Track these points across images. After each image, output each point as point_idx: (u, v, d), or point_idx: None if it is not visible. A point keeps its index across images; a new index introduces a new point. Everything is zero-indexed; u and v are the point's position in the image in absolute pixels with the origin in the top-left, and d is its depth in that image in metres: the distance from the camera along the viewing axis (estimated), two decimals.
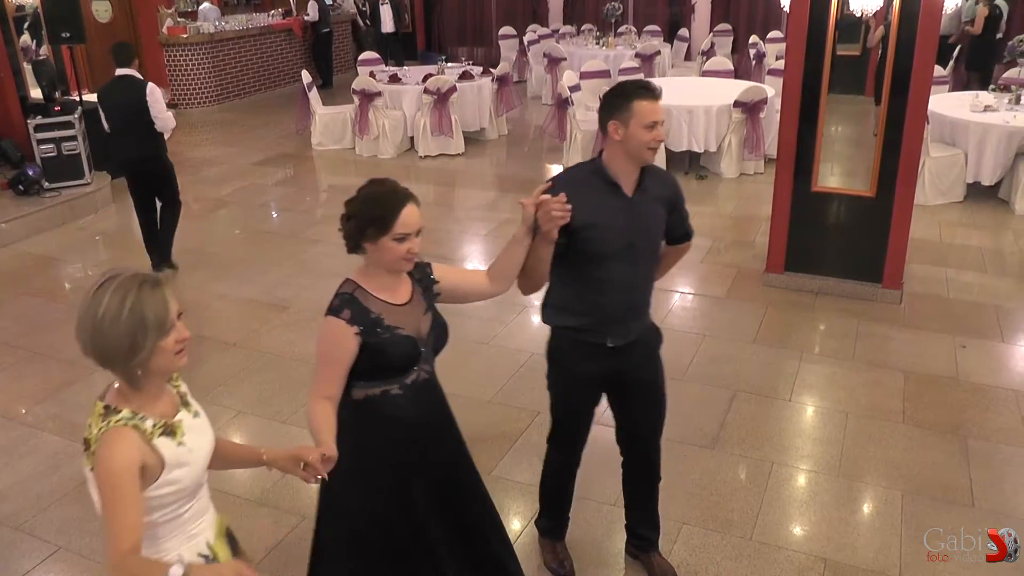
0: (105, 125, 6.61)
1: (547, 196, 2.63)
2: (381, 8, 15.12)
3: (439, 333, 2.66)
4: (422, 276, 2.68)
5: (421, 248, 2.53)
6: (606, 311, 2.95)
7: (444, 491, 2.74)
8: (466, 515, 2.81)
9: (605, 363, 3.03)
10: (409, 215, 2.45)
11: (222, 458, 2.31)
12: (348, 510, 2.64)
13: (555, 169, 9.79)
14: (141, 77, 6.51)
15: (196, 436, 2.10)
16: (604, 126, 2.86)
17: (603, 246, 2.86)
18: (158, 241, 6.79)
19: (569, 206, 2.63)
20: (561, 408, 3.25)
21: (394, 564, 2.67)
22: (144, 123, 6.37)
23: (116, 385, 2.04)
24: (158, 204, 6.81)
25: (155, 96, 6.35)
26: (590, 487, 4.04)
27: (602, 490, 4.00)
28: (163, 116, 6.40)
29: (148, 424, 1.97)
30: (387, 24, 15.38)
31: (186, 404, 2.15)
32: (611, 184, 2.87)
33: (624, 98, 2.81)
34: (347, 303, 2.50)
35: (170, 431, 2.02)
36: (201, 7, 14.30)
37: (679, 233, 3.16)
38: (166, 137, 6.59)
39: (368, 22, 16.05)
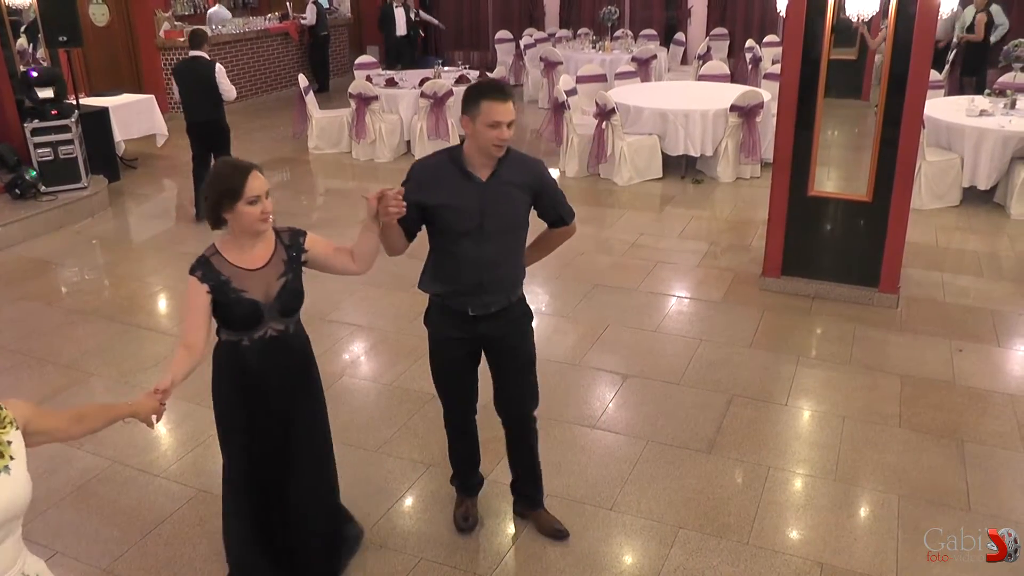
0: (176, 94, 8.36)
1: (387, 190, 2.96)
2: (395, 11, 15.05)
3: (287, 298, 3.02)
4: (292, 243, 3.07)
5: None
6: (461, 282, 3.25)
7: (279, 441, 3.18)
8: (294, 465, 3.23)
9: (469, 329, 3.33)
10: (255, 180, 2.88)
11: (83, 428, 2.40)
12: (223, 441, 3.24)
13: (552, 173, 9.76)
14: (208, 58, 8.07)
15: None
16: (462, 119, 3.13)
17: (454, 225, 3.17)
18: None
19: (404, 203, 2.97)
20: (437, 369, 3.52)
21: (247, 496, 3.26)
22: (211, 93, 7.97)
23: None
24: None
25: (221, 73, 8.00)
26: (587, 492, 4.04)
27: (598, 494, 4.01)
28: (227, 88, 8.04)
29: None
30: (401, 27, 15.31)
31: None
32: (463, 170, 3.15)
33: (476, 96, 3.07)
34: (200, 264, 2.95)
35: None
36: (211, 10, 14.32)
37: (554, 217, 3.42)
38: (227, 103, 8.15)
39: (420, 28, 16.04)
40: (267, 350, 3.03)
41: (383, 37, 15.72)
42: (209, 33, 12.89)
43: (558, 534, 3.71)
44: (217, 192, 2.87)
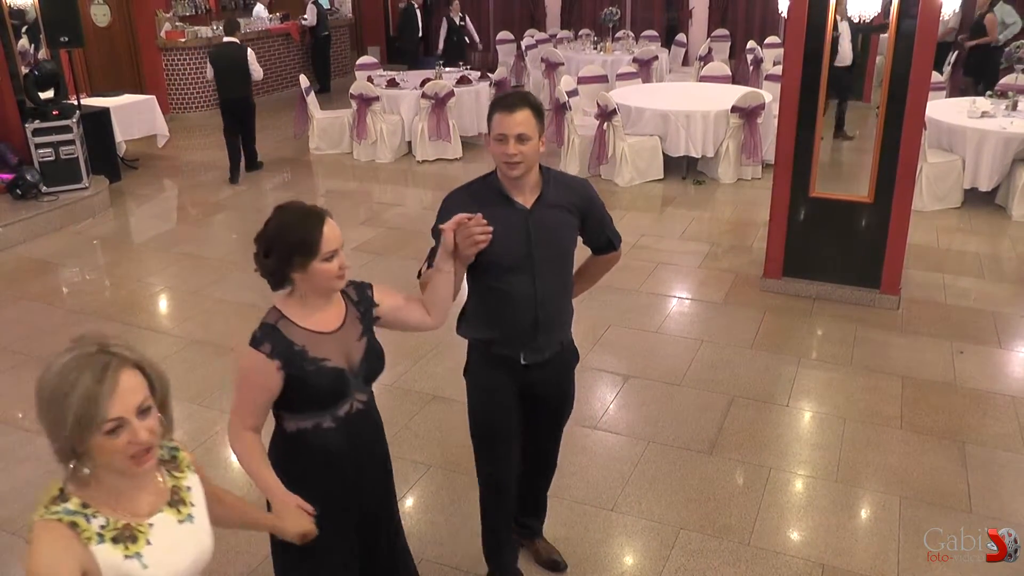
0: (209, 74, 9.59)
1: (465, 217, 2.58)
2: (417, 12, 15.02)
3: (373, 361, 2.52)
4: (361, 298, 2.55)
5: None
6: (513, 325, 2.87)
7: (369, 520, 2.67)
8: (383, 544, 2.77)
9: (519, 379, 2.98)
10: (331, 231, 2.35)
11: (227, 522, 2.10)
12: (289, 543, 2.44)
13: None
14: (239, 43, 9.54)
15: (168, 550, 1.71)
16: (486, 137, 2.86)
17: (500, 258, 2.76)
18: (246, 155, 9.92)
19: (490, 227, 2.60)
20: (485, 425, 3.11)
21: None
22: (242, 73, 9.40)
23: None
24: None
25: (251, 56, 9.44)
26: (588, 493, 4.04)
27: (598, 495, 4.01)
28: (256, 69, 9.51)
29: (95, 523, 1.63)
30: (419, 28, 15.30)
31: (179, 503, 1.79)
32: (503, 196, 2.79)
33: (490, 110, 2.78)
34: (267, 335, 2.36)
35: (126, 537, 1.65)
36: (256, 8, 14.70)
37: (601, 242, 3.07)
38: (255, 81, 9.54)
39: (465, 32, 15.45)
40: (355, 428, 2.49)
41: (402, 38, 15.56)
42: (210, 34, 13.12)
43: (555, 565, 3.54)
44: (286, 246, 2.32)
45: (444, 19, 14.36)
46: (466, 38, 14.63)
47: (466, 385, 3.12)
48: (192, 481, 1.85)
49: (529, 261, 2.79)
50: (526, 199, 2.80)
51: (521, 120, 2.68)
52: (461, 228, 2.58)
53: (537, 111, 2.72)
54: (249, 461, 2.39)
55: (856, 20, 9.34)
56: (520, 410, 3.08)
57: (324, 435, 2.43)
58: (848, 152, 10.22)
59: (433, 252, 2.75)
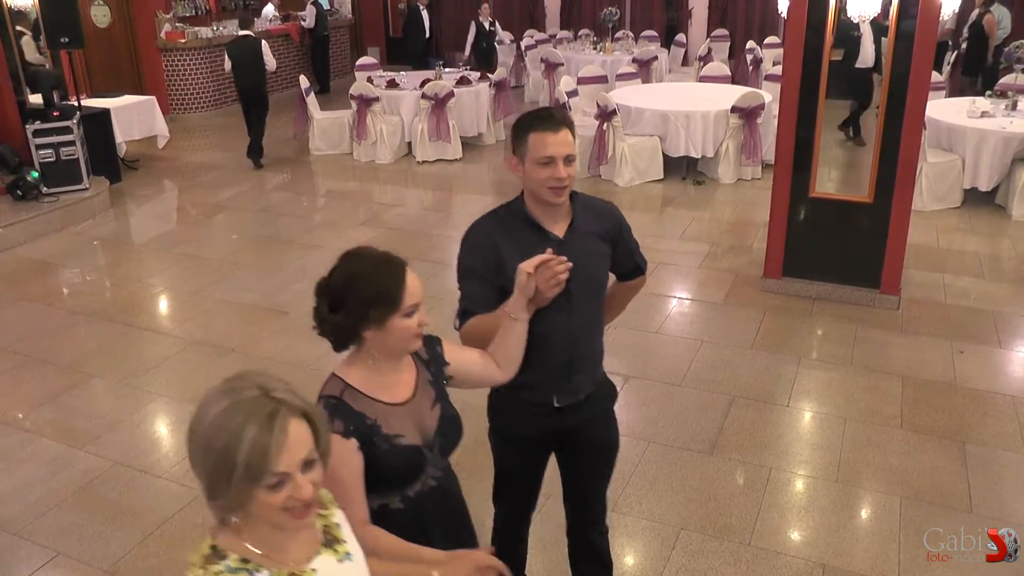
0: (227, 66, 10.13)
1: (546, 257, 2.30)
2: (422, 13, 14.98)
3: (450, 431, 2.21)
4: (432, 357, 2.24)
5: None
6: (547, 367, 2.59)
7: None
8: None
9: (550, 423, 2.70)
10: (414, 282, 2.04)
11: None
12: None
13: None
14: (255, 35, 10.30)
15: None
16: (510, 161, 2.53)
17: (535, 296, 2.43)
18: (255, 144, 10.36)
19: (571, 263, 2.33)
20: (501, 470, 2.90)
21: None
22: (258, 65, 10.03)
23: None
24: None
25: (266, 48, 10.11)
26: None
27: None
28: (270, 61, 10.17)
29: None
30: (427, 29, 15.24)
31: (333, 543, 1.69)
32: (534, 226, 2.52)
33: (522, 130, 2.45)
34: (336, 411, 2.01)
35: None
36: (266, 8, 14.84)
37: (628, 268, 2.80)
38: (268, 72, 10.24)
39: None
40: (427, 507, 2.19)
41: (407, 40, 15.45)
42: (210, 35, 13.15)
43: None
44: (362, 299, 1.98)
45: (473, 23, 13.98)
46: (496, 44, 14.22)
47: (491, 435, 2.84)
48: (339, 517, 1.74)
49: (565, 296, 2.45)
50: (559, 228, 2.54)
51: (567, 139, 2.43)
52: (541, 269, 2.29)
53: (573, 128, 2.51)
54: (392, 549, 2.00)
55: (873, 20, 9.32)
56: (546, 456, 2.86)
57: (391, 517, 2.11)
58: (852, 152, 10.21)
59: (466, 300, 2.50)
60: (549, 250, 2.34)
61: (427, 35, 14.93)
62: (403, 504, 2.14)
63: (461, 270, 2.54)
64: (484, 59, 13.83)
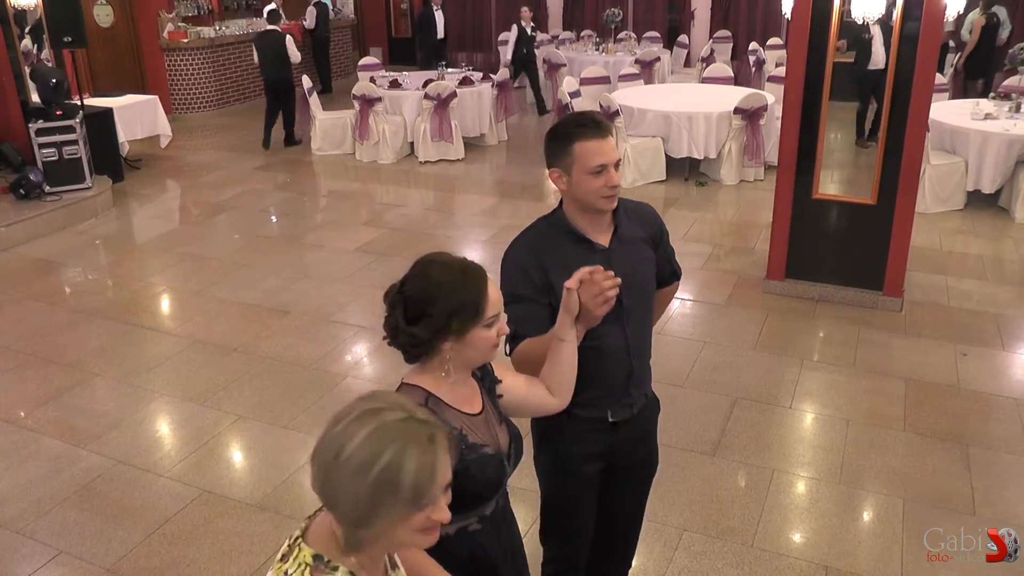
0: (255, 59, 11.06)
1: (587, 271, 2.16)
2: (436, 14, 14.96)
3: (519, 447, 2.12)
4: (485, 375, 2.15)
5: None
6: (605, 383, 2.51)
7: None
8: None
9: (603, 441, 2.59)
10: (495, 291, 1.97)
11: None
12: None
13: None
14: (280, 30, 11.02)
15: None
16: (550, 174, 2.42)
17: None
18: (285, 133, 11.28)
19: (619, 278, 2.19)
20: (557, 499, 2.72)
21: None
22: (282, 58, 10.76)
23: (327, 522, 1.55)
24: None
25: (290, 42, 10.80)
26: None
27: None
28: (294, 54, 10.84)
29: None
30: (440, 30, 15.21)
31: (394, 567, 1.71)
32: (579, 238, 2.42)
33: (564, 140, 2.35)
34: None
35: None
36: (267, 8, 14.60)
37: (666, 273, 2.71)
38: (294, 65, 10.94)
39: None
40: (501, 528, 2.12)
41: (419, 39, 15.40)
42: (212, 35, 13.17)
43: None
44: (445, 310, 1.89)
45: (514, 26, 13.35)
46: (535, 49, 13.60)
47: (539, 456, 2.68)
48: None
49: (618, 308, 2.34)
50: (603, 237, 2.44)
51: (613, 144, 2.36)
52: (586, 285, 2.17)
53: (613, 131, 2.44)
54: None
55: (883, 22, 9.31)
56: (600, 483, 2.71)
57: (471, 539, 2.02)
58: (855, 154, 10.20)
59: (514, 323, 2.37)
60: (599, 267, 2.21)
61: (441, 36, 14.91)
62: (481, 525, 2.05)
63: (505, 293, 2.34)
64: (525, 66, 13.30)
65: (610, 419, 2.55)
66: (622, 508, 2.84)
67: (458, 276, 1.93)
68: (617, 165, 2.36)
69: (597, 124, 2.34)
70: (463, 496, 1.87)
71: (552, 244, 2.43)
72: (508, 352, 2.40)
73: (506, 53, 13.66)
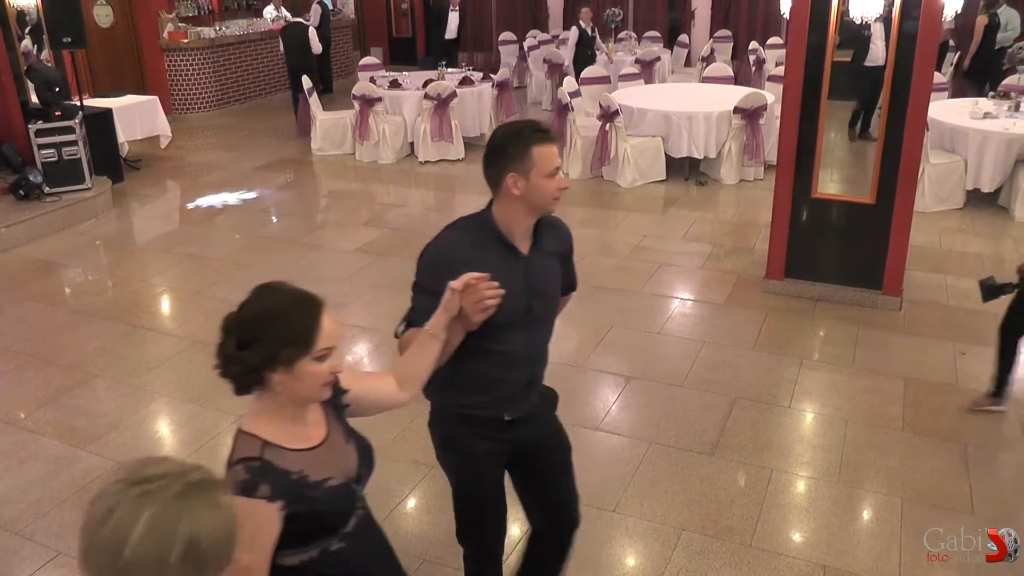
0: (282, 47, 12.23)
1: (475, 277, 2.23)
2: (450, 14, 14.95)
3: (368, 460, 2.13)
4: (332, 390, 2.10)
5: None
6: (506, 387, 2.59)
7: None
8: None
9: (501, 438, 2.66)
10: (331, 324, 1.92)
11: None
12: None
13: None
14: (306, 23, 12.22)
15: None
16: (498, 180, 2.45)
17: (501, 316, 2.37)
18: (323, 84, 12.89)
19: (502, 290, 2.26)
20: (467, 498, 2.80)
21: None
22: (305, 48, 11.85)
23: None
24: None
25: (313, 34, 11.98)
26: (590, 494, 4.04)
27: (601, 496, 4.00)
28: (316, 45, 11.94)
29: None
30: (452, 31, 15.22)
31: None
32: (506, 244, 2.48)
33: (521, 146, 2.40)
34: (261, 474, 1.86)
35: None
36: (267, 9, 14.96)
37: (568, 283, 2.81)
38: (315, 54, 12.06)
39: None
40: (363, 539, 2.12)
41: (432, 36, 15.41)
42: (212, 35, 13.17)
43: None
44: (277, 337, 1.86)
45: (574, 28, 13.01)
46: (596, 51, 13.12)
47: (443, 457, 2.78)
48: None
49: (529, 315, 2.51)
50: (525, 246, 2.52)
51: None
52: (470, 290, 2.23)
53: None
54: None
55: (884, 19, 9.31)
56: (503, 470, 2.80)
57: (333, 558, 2.04)
58: (854, 153, 10.21)
59: (415, 311, 2.44)
60: (487, 275, 2.27)
61: (452, 36, 14.90)
62: (342, 542, 2.04)
63: (419, 281, 2.48)
64: (585, 67, 12.40)
65: (506, 418, 2.63)
66: (558, 496, 2.92)
67: (294, 303, 1.91)
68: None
69: (548, 131, 2.46)
70: (318, 529, 1.97)
71: (478, 246, 2.48)
72: (399, 333, 2.48)
73: (564, 57, 13.06)
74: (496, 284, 2.26)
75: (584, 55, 12.75)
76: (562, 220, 2.75)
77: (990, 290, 4.51)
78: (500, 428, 2.64)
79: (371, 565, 2.14)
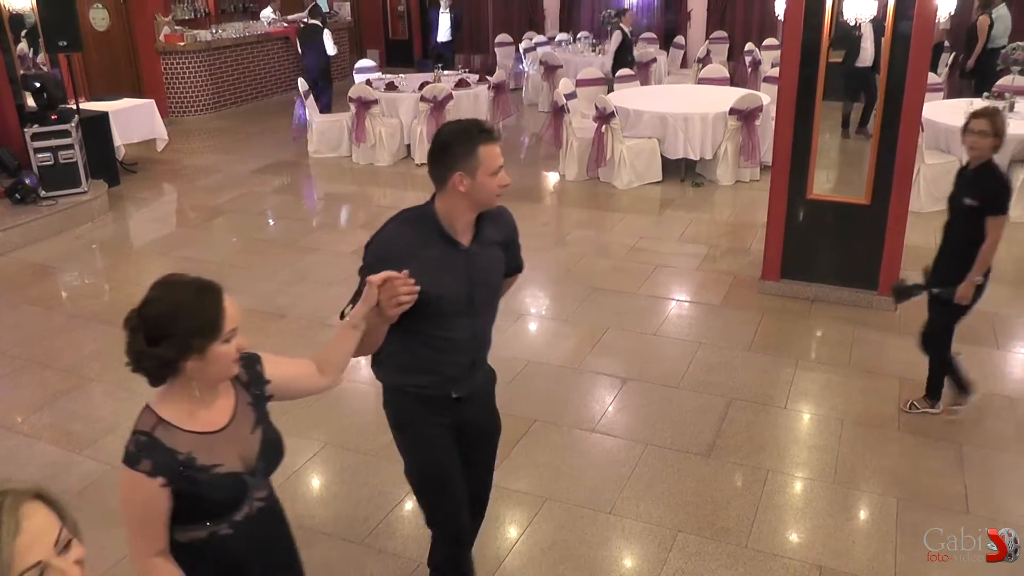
0: (299, 49, 13.05)
1: (393, 274, 2.35)
2: (441, 16, 14.97)
3: (272, 454, 2.20)
4: (252, 378, 2.21)
5: None
6: (452, 369, 2.75)
7: None
8: None
9: (451, 413, 2.83)
10: (232, 307, 2.03)
11: None
12: None
13: (551, 177, 9.81)
14: (321, 25, 12.61)
15: None
16: (444, 178, 2.56)
17: (443, 305, 2.59)
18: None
19: (417, 287, 2.38)
20: (428, 470, 2.91)
21: None
22: (321, 47, 12.45)
23: None
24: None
25: (327, 36, 12.50)
26: (586, 496, 4.05)
27: (596, 498, 4.01)
28: (330, 47, 12.54)
29: None
30: (444, 32, 15.25)
31: None
32: (446, 237, 2.61)
33: (469, 145, 2.52)
34: (146, 449, 1.99)
35: None
36: (264, 11, 15.02)
37: (513, 267, 2.94)
38: (331, 56, 12.81)
39: None
40: (256, 531, 2.17)
41: (425, 39, 15.46)
42: (209, 38, 13.18)
43: None
44: (188, 330, 1.96)
45: (618, 32, 12.48)
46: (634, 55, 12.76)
47: (398, 438, 2.90)
48: None
49: (471, 305, 2.67)
50: (466, 238, 2.65)
51: None
52: (387, 286, 2.35)
53: None
54: None
55: (875, 19, 9.33)
56: (455, 447, 2.92)
57: (222, 543, 2.11)
58: (850, 154, 10.23)
59: (358, 296, 2.49)
60: (406, 272, 2.37)
61: (446, 38, 14.92)
62: (232, 529, 2.11)
63: (364, 268, 2.58)
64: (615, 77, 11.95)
65: (453, 395, 2.79)
66: (476, 491, 3.06)
67: (196, 294, 2.00)
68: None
69: (492, 130, 2.59)
70: (203, 511, 2.05)
71: (421, 239, 2.61)
72: (344, 315, 2.53)
73: (608, 60, 12.54)
74: (412, 282, 2.37)
75: (624, 60, 12.34)
76: (505, 208, 2.83)
77: (900, 292, 4.52)
78: (448, 406, 2.80)
79: (259, 557, 2.19)
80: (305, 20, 12.90)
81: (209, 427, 2.07)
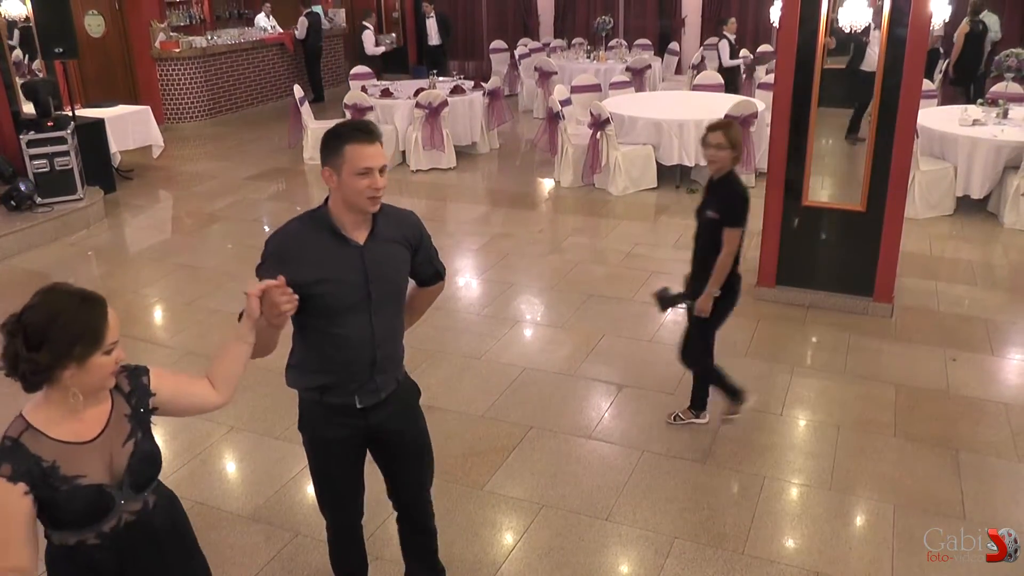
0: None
1: (271, 283, 2.38)
2: (427, 22, 15.02)
3: (141, 467, 2.19)
4: (135, 388, 2.21)
5: None
6: (349, 368, 2.73)
7: None
8: None
9: (356, 425, 2.82)
10: (115, 319, 2.05)
11: None
12: None
13: (547, 183, 9.82)
14: (367, 26, 14.42)
15: None
16: (322, 172, 2.62)
17: (336, 300, 2.61)
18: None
19: (296, 296, 2.41)
20: (319, 475, 3.00)
21: None
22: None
23: None
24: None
25: (367, 35, 14.36)
26: (582, 502, 4.04)
27: (592, 505, 4.01)
28: (370, 47, 14.11)
29: None
30: (433, 37, 15.31)
31: None
32: (337, 234, 2.62)
33: (337, 141, 2.53)
34: (8, 453, 1.98)
35: None
36: (258, 17, 15.14)
37: (429, 273, 2.93)
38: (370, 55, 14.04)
39: None
40: (126, 544, 2.16)
41: (420, 45, 15.58)
42: (204, 44, 13.17)
43: None
44: (67, 339, 1.96)
45: (724, 41, 12.57)
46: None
47: (301, 434, 2.95)
48: None
49: (367, 301, 2.66)
50: (360, 235, 2.65)
51: (382, 150, 2.57)
52: (266, 296, 2.38)
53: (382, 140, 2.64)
54: None
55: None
56: (361, 457, 2.96)
57: (89, 551, 2.12)
58: (844, 160, 10.25)
59: None
60: (282, 279, 2.39)
61: (435, 43, 14.97)
62: (99, 540, 2.12)
63: (260, 267, 2.62)
64: (729, 83, 12.00)
65: (358, 405, 2.77)
66: (398, 480, 3.07)
67: (79, 303, 2.01)
68: (383, 171, 2.55)
69: (369, 130, 2.56)
70: (67, 519, 2.06)
71: (314, 236, 2.62)
72: (240, 318, 2.50)
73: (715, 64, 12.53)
74: (290, 291, 2.40)
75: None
76: (413, 213, 2.86)
77: (664, 300, 4.52)
78: (353, 415, 2.79)
79: (129, 570, 2.19)
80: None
81: (78, 437, 2.07)
